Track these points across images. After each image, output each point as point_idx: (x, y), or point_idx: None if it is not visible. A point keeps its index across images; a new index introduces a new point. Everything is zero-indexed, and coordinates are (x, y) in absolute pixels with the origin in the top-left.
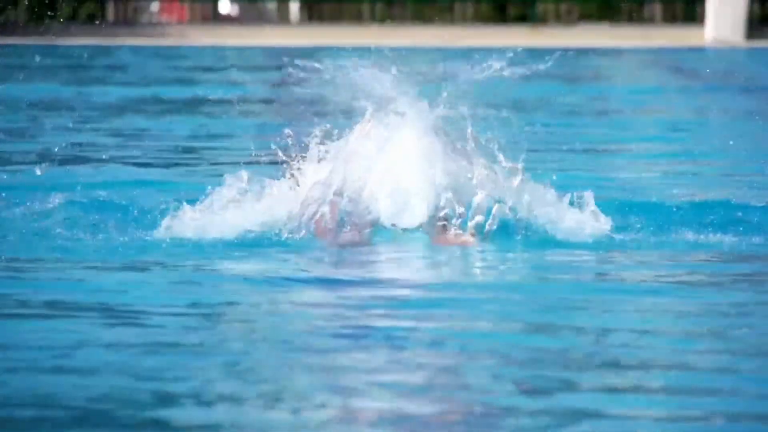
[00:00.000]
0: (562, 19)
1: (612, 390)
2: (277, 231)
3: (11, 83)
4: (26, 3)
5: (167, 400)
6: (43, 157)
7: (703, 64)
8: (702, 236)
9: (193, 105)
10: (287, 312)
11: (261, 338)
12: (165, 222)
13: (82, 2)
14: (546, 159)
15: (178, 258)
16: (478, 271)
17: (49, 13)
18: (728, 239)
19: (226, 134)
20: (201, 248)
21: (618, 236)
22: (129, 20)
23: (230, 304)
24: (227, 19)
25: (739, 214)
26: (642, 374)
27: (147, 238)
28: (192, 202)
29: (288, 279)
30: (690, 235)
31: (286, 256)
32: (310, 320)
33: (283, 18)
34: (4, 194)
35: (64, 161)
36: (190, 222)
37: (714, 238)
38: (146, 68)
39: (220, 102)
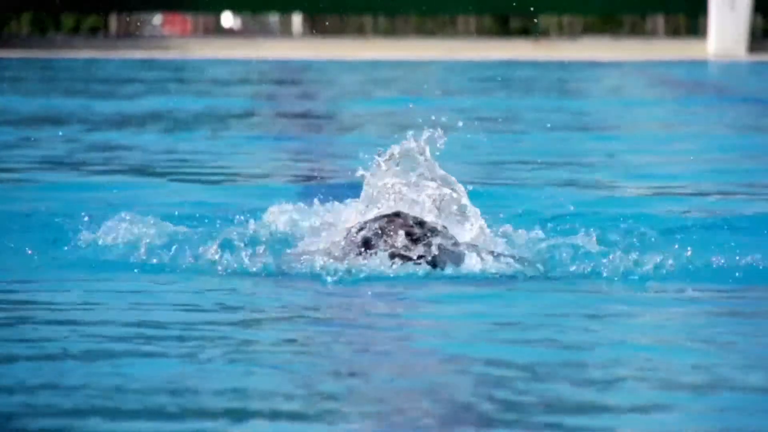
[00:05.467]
0: (565, 31)
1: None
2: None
3: (12, 95)
4: (29, 15)
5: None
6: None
7: (706, 77)
8: (703, 255)
9: (194, 118)
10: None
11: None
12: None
13: (85, 15)
14: (541, 174)
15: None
16: (482, 291)
17: (52, 25)
18: (730, 258)
19: (232, 148)
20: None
21: (615, 255)
22: (132, 33)
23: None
24: (230, 32)
25: (740, 230)
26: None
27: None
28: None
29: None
30: (690, 255)
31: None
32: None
33: (285, 31)
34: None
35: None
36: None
37: (714, 256)
38: (149, 81)
39: (222, 115)
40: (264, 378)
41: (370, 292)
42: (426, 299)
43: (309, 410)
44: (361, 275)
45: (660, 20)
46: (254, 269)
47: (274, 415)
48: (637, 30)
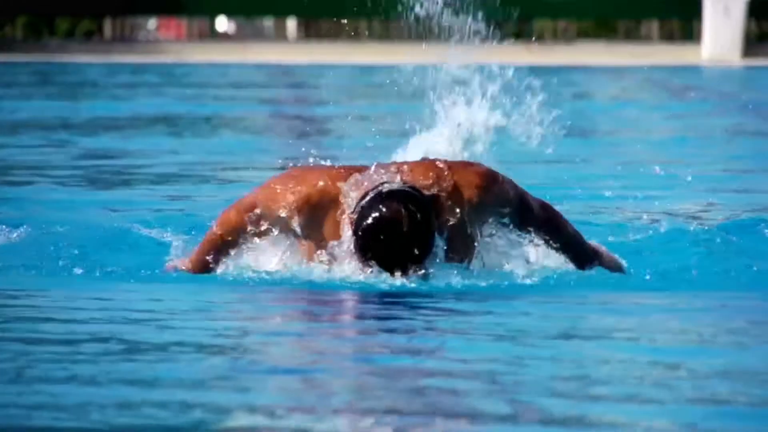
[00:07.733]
0: (559, 36)
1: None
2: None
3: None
4: (24, 20)
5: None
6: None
7: (700, 82)
8: (702, 259)
9: (189, 122)
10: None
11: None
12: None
13: (79, 19)
14: (537, 178)
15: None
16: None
17: (46, 29)
18: (729, 261)
19: (228, 151)
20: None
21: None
22: (126, 37)
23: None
24: (225, 37)
25: (738, 233)
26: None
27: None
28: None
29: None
30: (684, 261)
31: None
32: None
33: (280, 35)
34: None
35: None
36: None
37: (712, 260)
38: (144, 85)
39: (217, 119)
40: (277, 387)
41: (371, 297)
42: (428, 307)
43: (317, 418)
44: (359, 283)
45: (654, 25)
46: (271, 275)
47: (287, 423)
48: (632, 35)
